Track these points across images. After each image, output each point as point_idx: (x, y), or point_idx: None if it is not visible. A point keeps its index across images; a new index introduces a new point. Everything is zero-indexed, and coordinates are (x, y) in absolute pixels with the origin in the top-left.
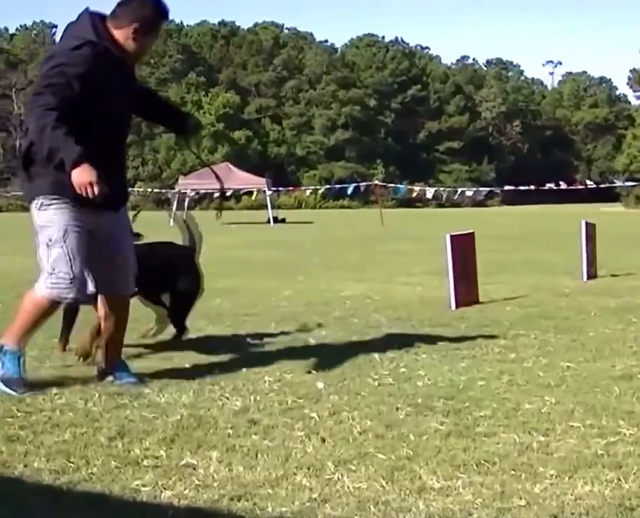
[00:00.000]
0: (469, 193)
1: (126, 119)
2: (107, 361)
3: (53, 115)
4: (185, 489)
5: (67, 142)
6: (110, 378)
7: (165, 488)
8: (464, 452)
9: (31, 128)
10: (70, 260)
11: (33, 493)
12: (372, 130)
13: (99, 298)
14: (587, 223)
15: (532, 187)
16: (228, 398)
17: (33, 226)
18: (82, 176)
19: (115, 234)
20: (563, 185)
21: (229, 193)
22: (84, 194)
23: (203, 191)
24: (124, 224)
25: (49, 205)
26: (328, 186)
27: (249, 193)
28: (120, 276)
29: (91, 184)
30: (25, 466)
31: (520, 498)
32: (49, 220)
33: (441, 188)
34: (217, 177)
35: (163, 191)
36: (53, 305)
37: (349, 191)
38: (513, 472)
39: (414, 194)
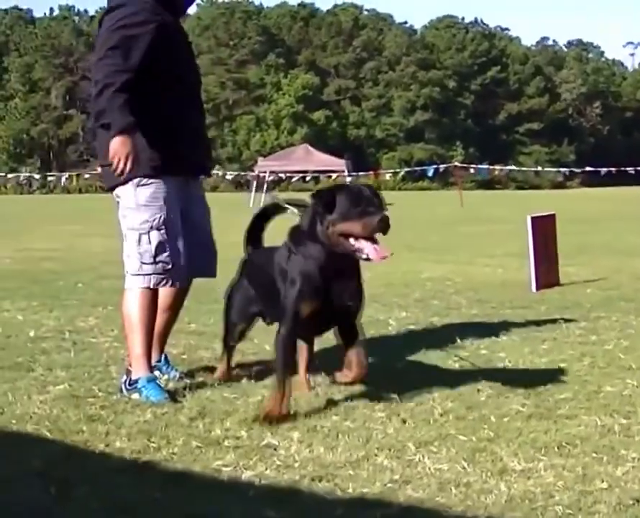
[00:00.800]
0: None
1: (197, 82)
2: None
3: (121, 78)
4: (266, 469)
5: (122, 108)
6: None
7: (245, 469)
8: (545, 434)
9: (95, 87)
10: (170, 244)
11: (114, 472)
12: (452, 112)
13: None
14: None
15: (613, 170)
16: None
17: (117, 209)
18: (121, 147)
19: (196, 211)
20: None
21: (308, 177)
22: (115, 166)
23: (282, 174)
24: (204, 199)
25: (145, 185)
26: (407, 169)
27: (329, 175)
28: (203, 257)
29: (127, 158)
30: (107, 446)
31: (602, 481)
32: (148, 200)
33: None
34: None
35: (242, 173)
36: (154, 298)
37: (429, 173)
38: (594, 454)
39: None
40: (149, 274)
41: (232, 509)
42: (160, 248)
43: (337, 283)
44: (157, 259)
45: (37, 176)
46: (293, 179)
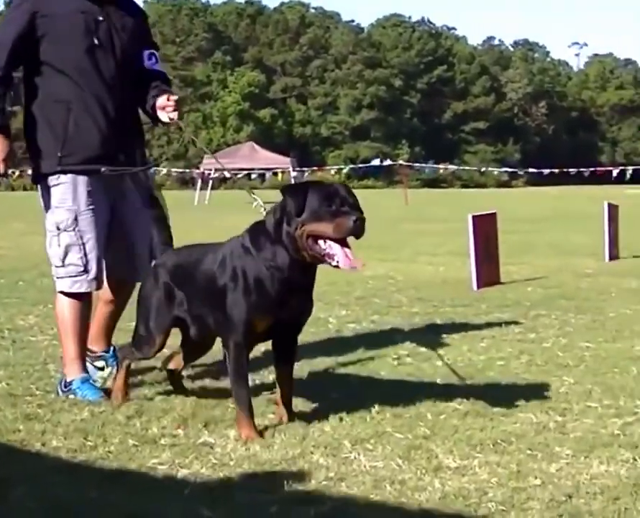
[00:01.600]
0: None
1: (119, 75)
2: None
3: None
4: (202, 468)
5: None
6: (101, 363)
7: (181, 467)
8: (481, 432)
9: None
10: (82, 247)
11: (51, 471)
12: (398, 110)
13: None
14: (609, 204)
15: (555, 170)
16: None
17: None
18: None
19: (127, 209)
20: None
21: (254, 175)
22: None
23: (226, 172)
24: (139, 196)
25: (55, 185)
26: (352, 166)
27: (275, 173)
28: (131, 259)
29: None
30: (43, 445)
31: (536, 478)
32: (58, 201)
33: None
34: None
35: (188, 170)
36: (78, 301)
37: (374, 162)
38: (529, 451)
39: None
40: (62, 277)
41: (168, 507)
42: (69, 251)
43: (294, 296)
44: (67, 262)
45: None
46: (239, 176)
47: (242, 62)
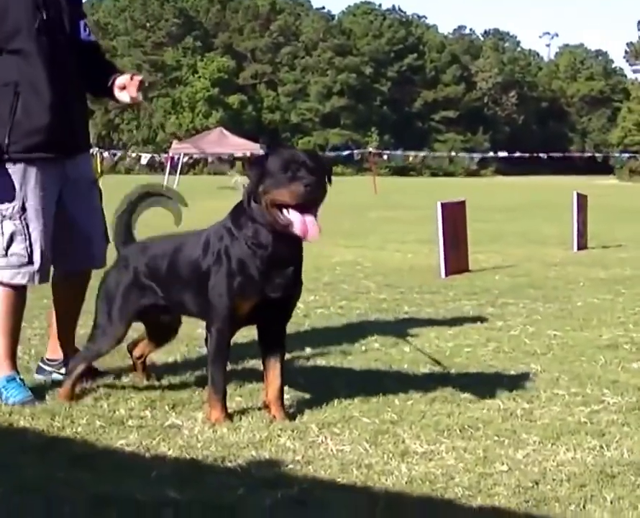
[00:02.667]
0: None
1: (68, 46)
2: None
3: None
4: (169, 450)
5: None
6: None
7: (149, 448)
8: (448, 418)
9: None
10: (27, 236)
11: (18, 452)
12: (368, 98)
13: (51, 277)
14: (578, 194)
15: (526, 155)
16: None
17: None
18: None
19: (75, 196)
20: (557, 155)
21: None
22: None
23: (197, 156)
24: (86, 181)
25: (2, 171)
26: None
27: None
28: (80, 247)
29: None
30: (10, 425)
31: (503, 464)
32: (3, 188)
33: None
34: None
35: (156, 155)
36: (18, 293)
37: (344, 155)
38: (496, 438)
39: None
40: (2, 268)
41: (136, 489)
42: (12, 240)
43: (279, 273)
44: (10, 252)
45: None
46: (209, 160)
47: (212, 48)
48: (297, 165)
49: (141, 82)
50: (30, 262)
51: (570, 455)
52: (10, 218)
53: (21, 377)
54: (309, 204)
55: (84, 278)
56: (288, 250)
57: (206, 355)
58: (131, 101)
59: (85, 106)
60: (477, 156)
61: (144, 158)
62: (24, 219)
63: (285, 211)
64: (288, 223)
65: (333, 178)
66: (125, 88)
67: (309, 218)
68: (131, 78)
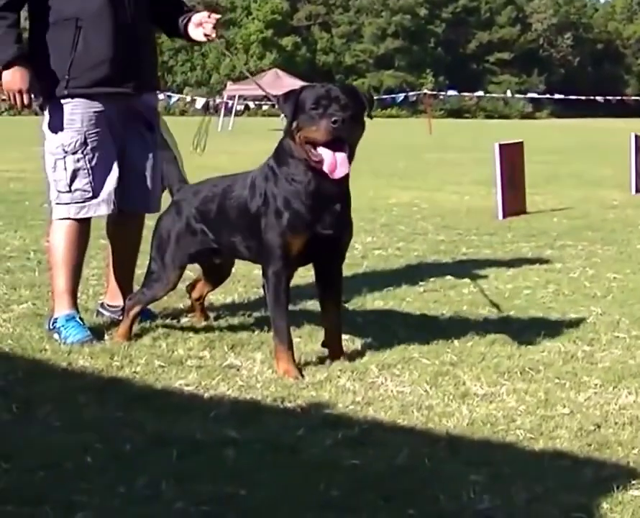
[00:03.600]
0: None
1: None
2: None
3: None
4: (228, 390)
5: (3, 37)
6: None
7: (208, 388)
8: (508, 360)
9: None
10: (91, 171)
11: (77, 391)
12: (422, 39)
13: (107, 216)
14: (637, 136)
15: (582, 97)
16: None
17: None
18: (11, 82)
19: (136, 138)
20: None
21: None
22: (12, 100)
23: (252, 98)
24: (148, 121)
25: (64, 106)
26: (376, 97)
27: None
28: (136, 189)
29: (20, 92)
30: (69, 364)
31: (564, 407)
32: (66, 123)
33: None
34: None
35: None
36: (81, 230)
37: (398, 100)
38: (557, 380)
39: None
40: (67, 203)
41: (194, 428)
42: (76, 176)
43: (326, 209)
44: (74, 187)
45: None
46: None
47: None
48: (328, 101)
49: (217, 21)
50: (94, 196)
51: (632, 399)
52: (73, 153)
53: (80, 316)
54: (340, 141)
55: (137, 221)
56: (330, 185)
57: (264, 296)
58: (205, 39)
59: (153, 44)
60: (531, 96)
61: (199, 102)
62: (87, 153)
63: (319, 148)
64: (318, 159)
65: (374, 113)
66: (202, 25)
67: (340, 155)
68: (209, 16)
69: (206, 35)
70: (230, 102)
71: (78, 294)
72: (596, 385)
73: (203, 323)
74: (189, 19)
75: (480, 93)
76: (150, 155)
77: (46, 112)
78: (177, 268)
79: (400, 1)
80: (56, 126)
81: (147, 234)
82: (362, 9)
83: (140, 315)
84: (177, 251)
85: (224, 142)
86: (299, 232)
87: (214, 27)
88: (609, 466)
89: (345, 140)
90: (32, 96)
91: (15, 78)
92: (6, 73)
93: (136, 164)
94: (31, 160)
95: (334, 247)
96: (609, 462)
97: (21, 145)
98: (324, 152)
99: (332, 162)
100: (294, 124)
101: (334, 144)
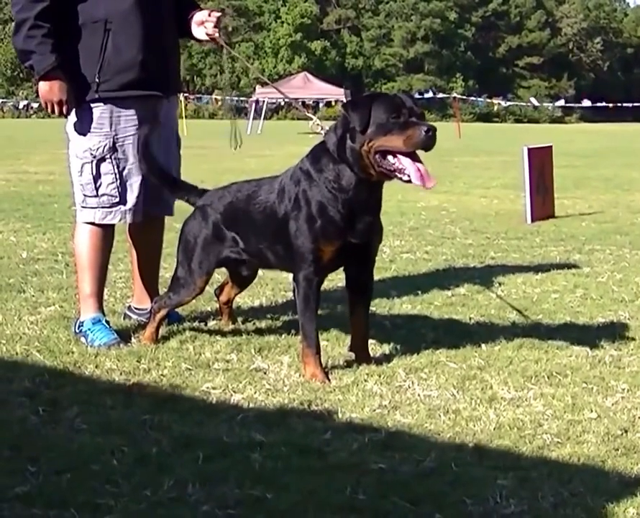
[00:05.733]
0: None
1: None
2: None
3: (35, 9)
4: (255, 393)
5: (41, 47)
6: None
7: (235, 391)
8: (536, 364)
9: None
10: (118, 176)
11: (104, 393)
12: (452, 43)
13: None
14: None
15: (610, 105)
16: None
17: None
18: (50, 92)
19: (159, 138)
20: None
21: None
22: (49, 110)
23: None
24: (171, 125)
25: (93, 109)
26: None
27: (328, 103)
28: (158, 193)
29: (60, 103)
30: (96, 367)
31: (592, 411)
32: (94, 126)
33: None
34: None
35: (242, 99)
36: (106, 233)
37: (427, 96)
38: (584, 384)
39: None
40: (93, 208)
41: (222, 431)
42: (104, 180)
43: (361, 217)
44: (101, 192)
45: (35, 104)
46: (293, 104)
47: None
48: (408, 111)
49: (218, 19)
50: (122, 201)
51: None
52: (101, 157)
53: (107, 319)
54: (425, 151)
55: (159, 224)
56: (369, 195)
57: (292, 299)
58: (208, 38)
59: (178, 46)
60: (559, 105)
61: (232, 100)
62: (115, 158)
63: (390, 157)
64: (397, 169)
65: None
66: (203, 24)
67: (421, 165)
68: (209, 14)
69: (208, 35)
70: (260, 104)
71: (105, 297)
72: (623, 389)
73: (231, 326)
74: (191, 18)
75: (508, 101)
76: (172, 159)
77: (72, 115)
78: (204, 274)
79: (430, 5)
80: (84, 129)
81: (174, 236)
82: (391, 13)
83: (167, 316)
84: (203, 256)
85: (253, 146)
86: (332, 240)
87: (215, 26)
88: (636, 471)
89: (428, 150)
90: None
91: (53, 89)
92: (43, 84)
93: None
94: (59, 162)
95: (366, 252)
96: (636, 467)
97: (50, 147)
98: (406, 163)
99: (421, 173)
100: (368, 132)
101: (413, 155)
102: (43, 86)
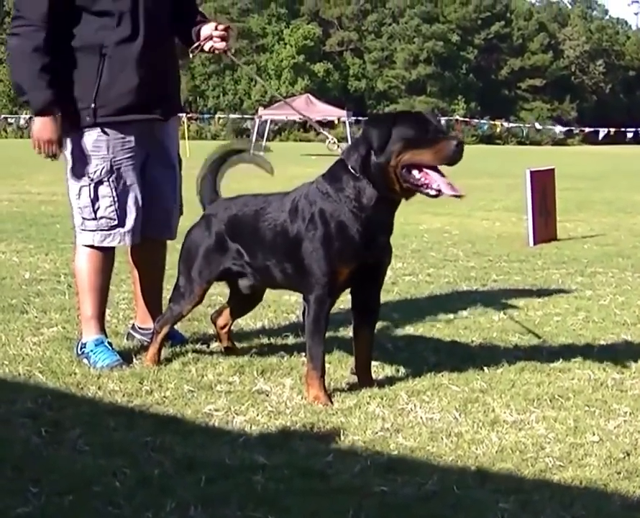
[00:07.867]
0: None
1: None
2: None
3: (36, 39)
4: (257, 415)
5: (38, 81)
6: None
7: (237, 414)
8: (538, 387)
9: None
10: (116, 199)
11: (106, 415)
12: (454, 66)
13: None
14: None
15: (611, 130)
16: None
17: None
18: (42, 130)
19: (159, 163)
20: None
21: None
22: (38, 151)
23: (284, 123)
24: (171, 147)
25: (90, 133)
26: None
27: (331, 124)
28: (158, 215)
29: (50, 143)
30: (99, 388)
31: (594, 434)
32: (91, 150)
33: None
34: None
35: (244, 117)
36: (106, 256)
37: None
38: (586, 408)
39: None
40: (92, 230)
41: (224, 453)
42: (102, 203)
43: (377, 236)
44: (99, 215)
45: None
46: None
47: (298, 15)
48: (434, 126)
49: (226, 29)
50: (120, 224)
51: None
52: (98, 181)
53: (109, 340)
54: (450, 165)
55: (160, 246)
56: (387, 214)
57: (295, 322)
58: (214, 51)
59: (177, 68)
60: (561, 129)
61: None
62: (113, 181)
63: (415, 172)
64: (423, 184)
65: None
66: (211, 37)
67: (445, 178)
68: (216, 27)
69: (217, 49)
70: (262, 126)
71: (108, 318)
72: (626, 412)
73: (230, 351)
74: (199, 31)
75: (510, 123)
76: (172, 181)
77: (69, 140)
78: (204, 282)
79: (432, 27)
80: (82, 153)
81: (177, 258)
82: (394, 35)
83: (170, 337)
84: (204, 265)
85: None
86: (349, 260)
87: (223, 39)
88: (638, 494)
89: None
90: (60, 146)
91: (46, 127)
92: (37, 120)
93: (159, 190)
94: (62, 183)
95: (376, 273)
96: (638, 491)
97: (53, 168)
98: (435, 176)
99: (447, 183)
100: (396, 147)
101: (437, 169)
102: (37, 123)
